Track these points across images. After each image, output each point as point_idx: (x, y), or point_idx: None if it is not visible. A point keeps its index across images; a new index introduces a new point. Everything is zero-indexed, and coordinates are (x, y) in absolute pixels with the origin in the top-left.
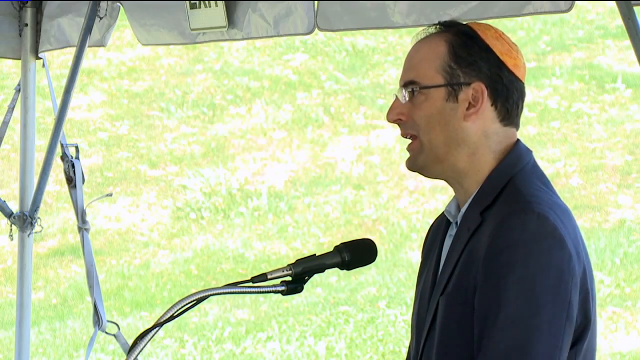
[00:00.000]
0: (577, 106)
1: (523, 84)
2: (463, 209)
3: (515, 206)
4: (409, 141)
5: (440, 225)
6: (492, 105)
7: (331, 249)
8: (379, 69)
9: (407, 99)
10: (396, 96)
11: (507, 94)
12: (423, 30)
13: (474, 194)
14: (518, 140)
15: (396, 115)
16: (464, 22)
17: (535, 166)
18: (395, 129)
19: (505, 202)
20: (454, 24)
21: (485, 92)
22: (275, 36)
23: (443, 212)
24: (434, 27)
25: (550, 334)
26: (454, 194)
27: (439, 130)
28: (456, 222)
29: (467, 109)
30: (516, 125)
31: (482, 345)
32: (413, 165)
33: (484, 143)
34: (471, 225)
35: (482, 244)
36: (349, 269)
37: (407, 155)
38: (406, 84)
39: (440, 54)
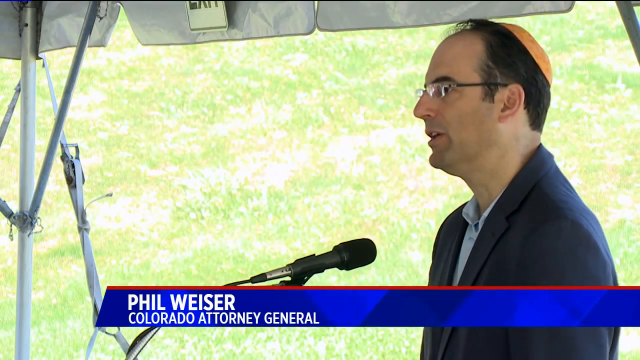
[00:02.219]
0: (577, 106)
1: (550, 88)
2: (486, 213)
3: (547, 213)
4: (424, 138)
5: (454, 226)
6: (525, 108)
7: (331, 249)
8: (379, 69)
9: (440, 94)
10: (424, 91)
11: (539, 97)
12: (453, 26)
13: (498, 198)
14: (540, 144)
15: (425, 110)
16: (498, 22)
17: (557, 171)
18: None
19: (534, 208)
20: (488, 22)
21: (523, 95)
22: (275, 36)
23: (457, 210)
24: (465, 24)
25: (595, 344)
26: (454, 194)
27: (472, 130)
28: (475, 225)
29: (502, 110)
30: (541, 130)
31: (524, 355)
32: (440, 162)
33: (514, 146)
34: (497, 230)
35: (512, 250)
36: (348, 269)
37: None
38: (439, 79)
39: (477, 52)
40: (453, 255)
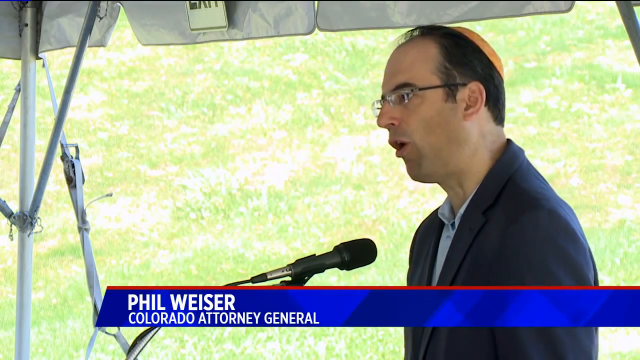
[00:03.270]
0: (577, 106)
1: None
2: (461, 210)
3: (524, 204)
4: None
5: (430, 227)
6: (485, 105)
7: (331, 249)
8: (379, 69)
9: (402, 101)
10: (384, 100)
11: (497, 94)
12: (404, 34)
13: (472, 194)
14: (509, 139)
15: (389, 119)
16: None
17: (529, 165)
18: None
19: (510, 200)
20: (437, 26)
21: (484, 92)
22: (275, 36)
23: (432, 214)
24: (414, 30)
25: (583, 329)
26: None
27: (439, 132)
28: (452, 224)
29: (466, 109)
30: (504, 124)
31: (512, 351)
32: (419, 172)
33: (481, 143)
34: (474, 225)
35: (491, 244)
36: (348, 269)
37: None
38: (399, 86)
39: (432, 55)
40: (431, 255)
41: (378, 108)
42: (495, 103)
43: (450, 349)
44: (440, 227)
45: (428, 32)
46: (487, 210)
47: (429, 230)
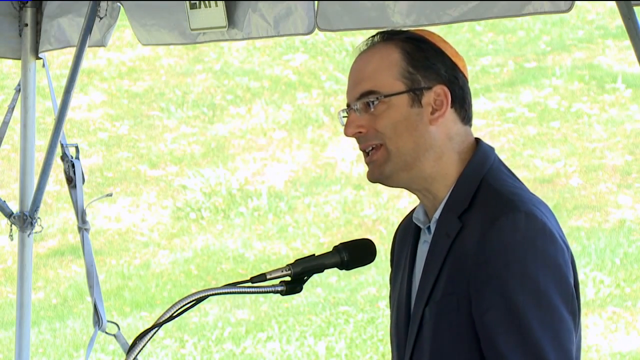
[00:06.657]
0: (577, 106)
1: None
2: (436, 215)
3: (500, 207)
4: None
5: (407, 232)
6: (452, 107)
7: (331, 249)
8: None
9: (368, 109)
10: (350, 109)
11: (463, 95)
12: (364, 41)
13: (446, 199)
14: (478, 138)
15: (356, 128)
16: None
17: (500, 163)
18: None
19: (485, 204)
20: (398, 31)
21: (449, 95)
22: (275, 36)
23: (408, 216)
24: (375, 37)
25: (563, 329)
26: None
27: (407, 136)
28: (428, 228)
29: (432, 113)
30: (471, 124)
31: (497, 352)
32: (380, 174)
33: (448, 146)
34: (450, 230)
35: (469, 248)
36: (348, 269)
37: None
38: (364, 94)
39: (395, 61)
40: (410, 260)
41: (344, 116)
42: (462, 104)
43: (434, 353)
44: (416, 230)
45: (389, 37)
46: (463, 214)
47: (407, 234)
